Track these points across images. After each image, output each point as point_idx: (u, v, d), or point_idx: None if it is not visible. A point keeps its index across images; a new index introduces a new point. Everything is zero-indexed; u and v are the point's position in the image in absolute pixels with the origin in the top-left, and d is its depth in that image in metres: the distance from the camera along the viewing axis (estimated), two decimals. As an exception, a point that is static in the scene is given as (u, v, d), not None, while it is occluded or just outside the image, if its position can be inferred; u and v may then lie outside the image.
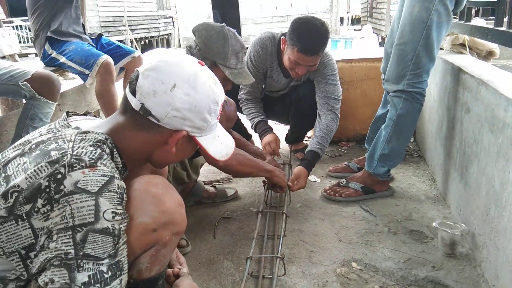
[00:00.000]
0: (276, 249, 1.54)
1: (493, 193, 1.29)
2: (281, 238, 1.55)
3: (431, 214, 1.81)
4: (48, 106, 1.98)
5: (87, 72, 2.45)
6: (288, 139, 2.66)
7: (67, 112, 0.94)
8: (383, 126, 1.94)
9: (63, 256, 0.70)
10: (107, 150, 0.81)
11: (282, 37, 2.03)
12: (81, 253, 0.71)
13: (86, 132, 0.82)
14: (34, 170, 0.73)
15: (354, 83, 2.66)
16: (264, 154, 1.93)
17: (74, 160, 0.73)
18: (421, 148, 2.60)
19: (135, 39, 12.37)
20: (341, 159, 2.53)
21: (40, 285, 0.74)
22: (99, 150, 0.78)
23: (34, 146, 0.79)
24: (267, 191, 1.92)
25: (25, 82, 1.89)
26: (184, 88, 0.84)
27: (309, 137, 2.94)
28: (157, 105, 0.83)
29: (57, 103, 2.05)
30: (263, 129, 2.20)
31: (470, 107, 1.58)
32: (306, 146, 2.65)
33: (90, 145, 0.78)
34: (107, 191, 0.74)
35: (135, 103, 0.85)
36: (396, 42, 1.77)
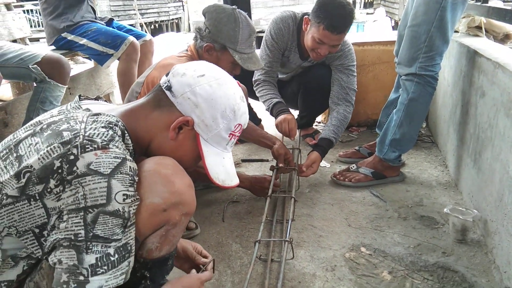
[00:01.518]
0: (284, 233, 1.54)
1: (507, 179, 1.26)
2: (290, 222, 1.55)
3: (442, 200, 1.79)
4: (58, 89, 1.99)
5: (111, 52, 2.48)
6: (298, 123, 2.63)
7: (79, 96, 0.95)
8: (394, 110, 1.91)
9: (73, 237, 0.71)
10: (119, 132, 0.82)
11: (305, 16, 1.99)
12: (91, 234, 0.71)
13: (97, 114, 0.83)
14: (47, 151, 0.73)
15: (366, 67, 2.61)
16: (273, 139, 1.91)
17: (87, 141, 0.73)
18: (433, 133, 2.56)
19: (145, 23, 12.31)
20: (352, 144, 2.50)
21: (50, 264, 0.74)
22: (111, 132, 0.78)
23: (45, 126, 0.79)
24: (276, 175, 1.91)
25: (35, 65, 1.90)
26: (211, 80, 0.89)
27: (319, 122, 2.91)
28: (180, 83, 0.88)
29: (67, 86, 2.06)
30: (280, 109, 2.07)
31: (486, 91, 1.54)
32: (316, 131, 2.63)
33: (102, 127, 0.78)
34: (119, 173, 0.74)
35: (164, 79, 0.91)
36: (409, 24, 1.72)
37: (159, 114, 0.89)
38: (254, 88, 2.17)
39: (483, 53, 1.61)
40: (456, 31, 2.20)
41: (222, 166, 0.94)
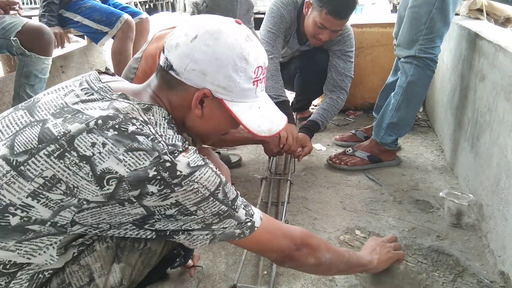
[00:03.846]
0: (279, 216, 1.53)
1: (505, 163, 1.25)
2: (285, 204, 1.54)
3: (437, 184, 1.79)
4: (42, 61, 1.91)
5: (105, 30, 2.41)
6: (294, 107, 2.60)
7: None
8: (392, 93, 1.89)
9: (220, 212, 0.79)
10: (175, 128, 0.82)
11: (306, 0, 1.93)
12: (229, 201, 0.80)
13: (148, 109, 0.79)
14: (131, 158, 0.70)
15: (364, 49, 2.58)
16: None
17: (171, 148, 0.74)
18: (430, 118, 2.54)
19: (140, 2, 12.09)
20: (348, 128, 2.49)
21: (106, 247, 0.81)
22: (177, 134, 0.79)
23: (100, 122, 0.72)
24: (271, 158, 1.90)
25: (15, 38, 1.83)
26: (206, 39, 0.79)
27: (315, 106, 2.89)
28: (177, 57, 0.80)
29: (51, 57, 1.98)
30: (287, 114, 1.85)
31: (486, 75, 1.52)
32: (312, 114, 2.60)
33: (168, 128, 0.79)
34: (205, 159, 0.79)
35: (162, 58, 0.83)
36: (410, 5, 1.68)
37: (176, 96, 0.84)
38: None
39: (484, 36, 1.59)
40: (456, 14, 2.16)
41: (261, 116, 0.88)
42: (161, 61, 0.84)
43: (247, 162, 2.07)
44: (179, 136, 0.79)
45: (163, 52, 0.84)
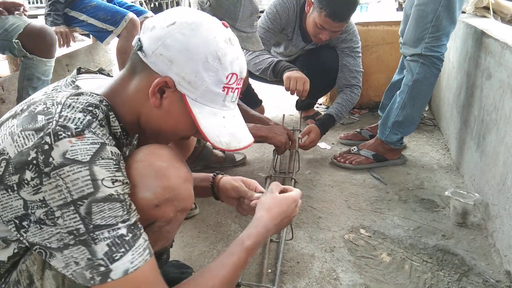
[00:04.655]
0: (284, 214, 1.53)
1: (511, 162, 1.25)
2: (290, 203, 1.53)
3: (443, 183, 1.78)
4: (44, 64, 1.90)
5: (110, 28, 2.43)
6: (299, 105, 2.60)
7: (79, 69, 0.86)
8: (398, 92, 1.88)
9: (75, 233, 0.65)
10: (100, 115, 0.73)
11: None
12: (91, 226, 0.65)
13: (79, 94, 0.74)
14: (22, 137, 0.66)
15: (369, 47, 2.57)
16: (266, 120, 1.87)
17: (59, 128, 0.65)
18: (436, 116, 2.53)
19: (145, 1, 12.11)
20: (353, 126, 2.48)
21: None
22: (88, 117, 0.70)
23: (26, 106, 0.71)
24: (276, 156, 1.89)
25: (17, 41, 1.83)
26: (183, 27, 0.74)
27: (320, 104, 2.88)
28: (150, 39, 0.74)
29: (54, 58, 1.96)
30: (285, 66, 1.88)
31: (492, 73, 1.50)
32: (317, 112, 2.60)
33: (80, 111, 0.70)
34: (100, 158, 0.66)
35: (135, 39, 0.78)
36: (416, 3, 1.67)
37: (137, 81, 0.77)
38: (246, 56, 1.99)
39: (490, 34, 1.57)
40: (463, 12, 2.15)
41: (223, 127, 0.79)
42: (133, 41, 0.78)
43: (251, 160, 2.06)
44: (88, 120, 0.69)
45: (139, 34, 0.79)
